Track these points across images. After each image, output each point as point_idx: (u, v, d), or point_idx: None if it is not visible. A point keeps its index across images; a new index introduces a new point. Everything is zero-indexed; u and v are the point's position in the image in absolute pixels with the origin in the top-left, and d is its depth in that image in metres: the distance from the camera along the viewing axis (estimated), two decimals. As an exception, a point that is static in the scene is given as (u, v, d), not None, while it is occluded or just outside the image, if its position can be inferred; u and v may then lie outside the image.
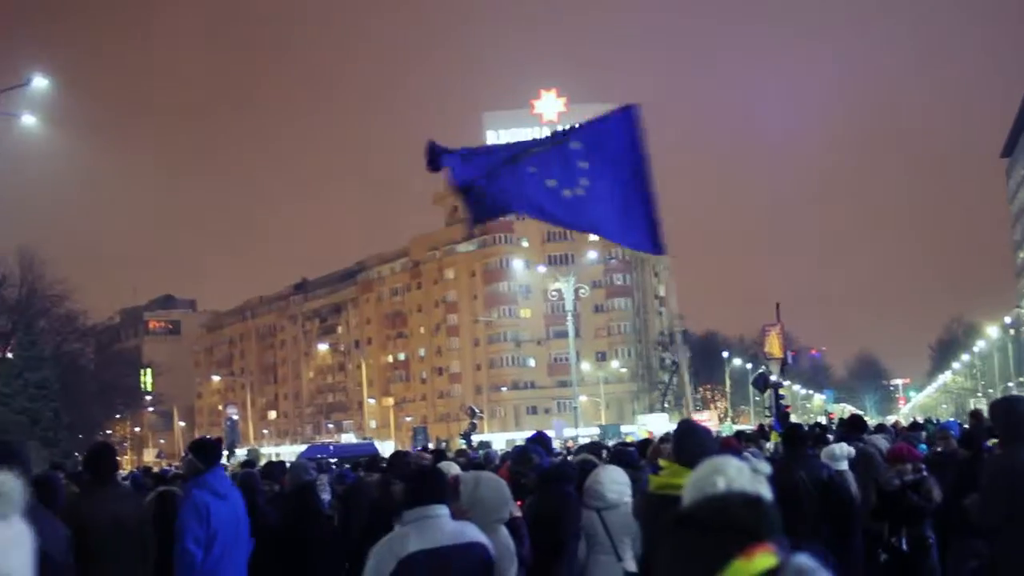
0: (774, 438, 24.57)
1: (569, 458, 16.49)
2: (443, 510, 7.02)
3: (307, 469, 13.85)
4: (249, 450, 60.35)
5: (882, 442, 15.79)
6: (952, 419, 55.66)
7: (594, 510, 10.03)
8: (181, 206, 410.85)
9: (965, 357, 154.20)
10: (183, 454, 11.66)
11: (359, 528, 13.16)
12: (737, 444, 16.66)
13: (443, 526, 6.96)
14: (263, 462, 21.69)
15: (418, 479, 7.31)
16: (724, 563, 2.95)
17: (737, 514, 3.06)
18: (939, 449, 15.90)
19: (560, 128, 10.93)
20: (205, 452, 10.77)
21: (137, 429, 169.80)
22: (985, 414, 17.33)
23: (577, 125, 10.57)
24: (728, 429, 71.41)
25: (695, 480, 4.72)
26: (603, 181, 9.99)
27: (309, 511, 12.91)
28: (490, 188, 10.00)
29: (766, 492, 4.61)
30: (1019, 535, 8.45)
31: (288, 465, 15.65)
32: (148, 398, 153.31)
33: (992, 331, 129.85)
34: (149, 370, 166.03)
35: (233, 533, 10.37)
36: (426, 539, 6.82)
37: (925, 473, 12.81)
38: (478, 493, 7.88)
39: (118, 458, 11.56)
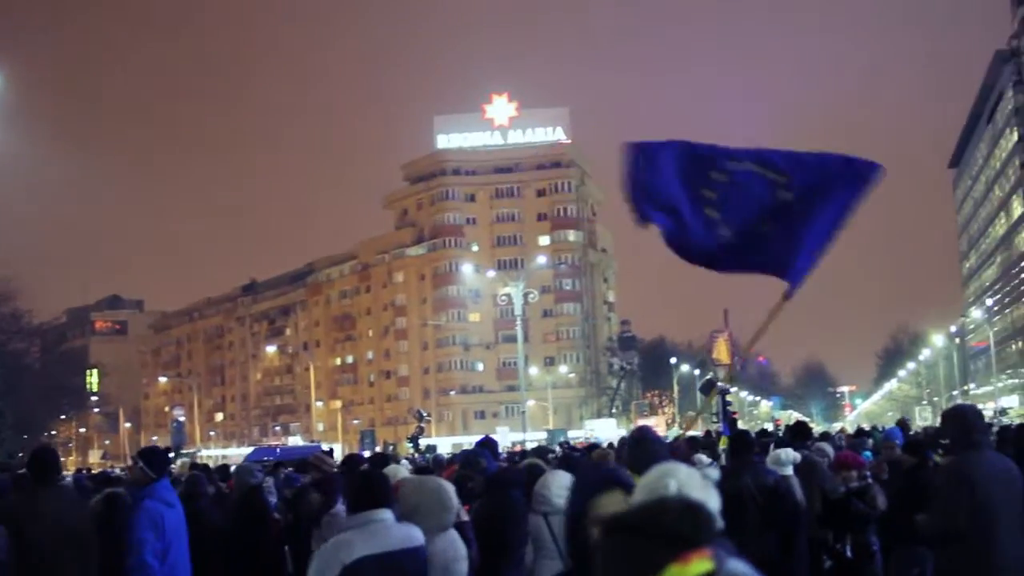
0: (723, 443, 24.66)
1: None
2: (388, 514, 7.02)
3: (252, 473, 13.81)
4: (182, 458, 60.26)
5: (828, 449, 15.88)
6: (896, 427, 56.05)
7: (541, 515, 10.03)
8: (130, 206, 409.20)
9: (911, 365, 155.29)
10: (131, 458, 11.50)
11: (307, 532, 13.14)
12: (686, 450, 16.67)
13: (389, 530, 6.95)
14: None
15: (363, 484, 7.29)
16: (660, 568, 2.96)
17: (675, 520, 3.07)
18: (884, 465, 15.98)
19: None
20: (156, 461, 10.68)
21: (82, 430, 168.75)
22: (913, 424, 17.54)
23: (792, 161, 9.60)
24: (675, 435, 71.78)
25: (646, 483, 4.74)
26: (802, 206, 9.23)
27: (256, 514, 12.87)
28: (674, 233, 9.41)
29: (714, 498, 4.64)
30: (978, 542, 8.54)
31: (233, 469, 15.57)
32: (94, 399, 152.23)
33: (938, 339, 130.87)
34: (95, 370, 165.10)
35: (181, 541, 10.32)
36: (372, 544, 6.80)
37: (870, 480, 12.94)
38: (419, 498, 7.87)
39: (63, 459, 11.45)
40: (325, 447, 79.21)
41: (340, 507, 10.90)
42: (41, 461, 10.45)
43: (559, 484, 10.17)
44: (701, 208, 9.17)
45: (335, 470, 12.87)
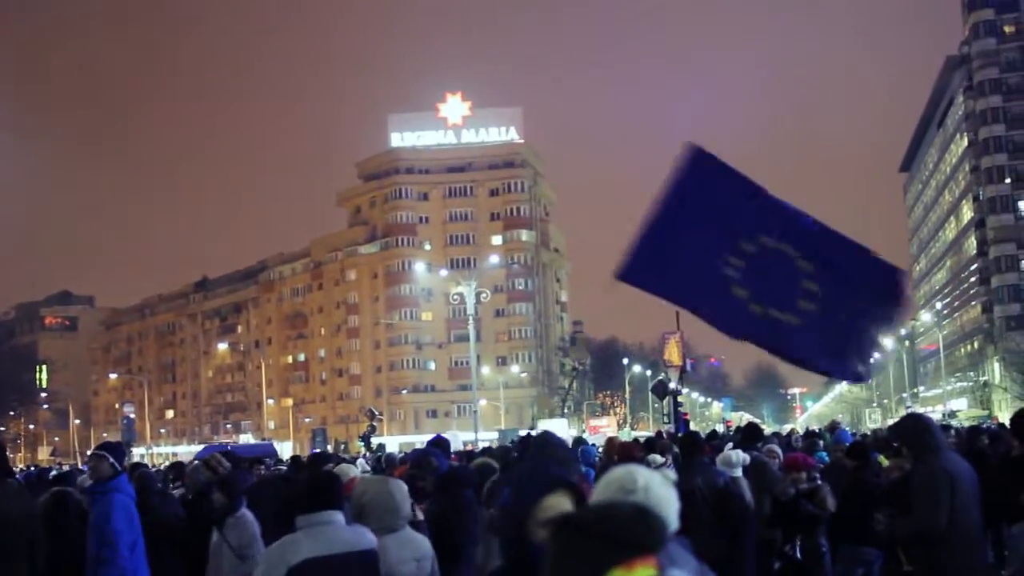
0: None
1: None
2: (337, 516, 7.00)
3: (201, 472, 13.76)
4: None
5: (777, 450, 15.95)
6: (847, 428, 56.35)
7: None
8: (80, 199, 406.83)
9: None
10: (93, 453, 11.42)
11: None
12: (637, 450, 16.71)
13: (338, 532, 6.94)
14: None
15: (313, 484, 7.28)
16: (604, 571, 2.98)
17: (627, 524, 3.08)
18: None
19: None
20: (118, 455, 10.69)
21: (31, 426, 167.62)
22: (863, 426, 17.58)
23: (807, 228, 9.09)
24: (626, 435, 71.97)
25: (612, 480, 4.76)
26: (828, 304, 8.88)
27: (202, 513, 12.83)
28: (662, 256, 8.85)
29: (675, 499, 4.68)
30: (958, 541, 8.73)
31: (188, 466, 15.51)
32: (43, 395, 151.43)
33: (887, 342, 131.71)
34: (44, 367, 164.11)
35: (141, 534, 10.35)
36: (319, 546, 6.79)
37: (819, 482, 13.01)
38: (369, 499, 7.85)
39: (11, 455, 11.39)
40: (277, 445, 79.19)
41: (244, 509, 10.85)
42: None
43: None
44: (723, 272, 8.67)
45: (228, 471, 12.77)
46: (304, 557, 6.70)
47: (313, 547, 6.76)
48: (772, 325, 8.43)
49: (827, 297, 8.41)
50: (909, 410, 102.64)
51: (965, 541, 8.79)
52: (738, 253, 8.43)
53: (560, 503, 5.18)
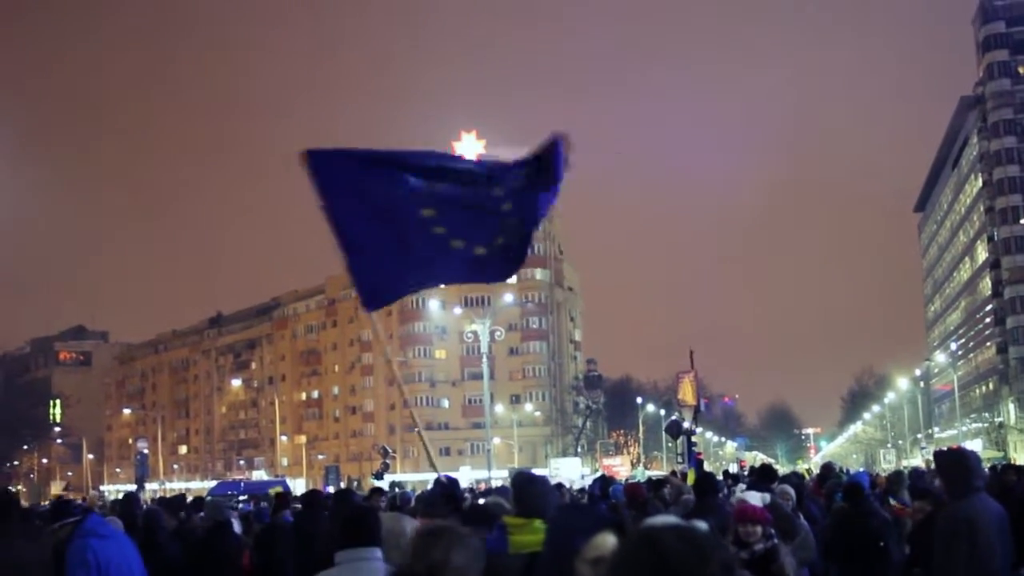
0: (691, 478, 24.70)
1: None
2: (377, 553, 6.92)
3: (223, 509, 13.77)
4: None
5: (790, 491, 15.86)
6: (862, 470, 56.15)
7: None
8: (96, 235, 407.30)
9: (876, 408, 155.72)
10: (91, 488, 11.38)
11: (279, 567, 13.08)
12: (643, 492, 16.66)
13: (376, 570, 6.89)
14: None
15: (354, 520, 7.21)
16: None
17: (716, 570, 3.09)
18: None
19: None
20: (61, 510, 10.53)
21: (44, 461, 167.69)
22: (878, 466, 17.34)
23: (497, 165, 9.83)
24: (640, 475, 71.75)
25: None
26: (517, 217, 9.57)
27: (217, 551, 12.80)
28: (382, 265, 9.42)
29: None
30: None
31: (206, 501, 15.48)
32: (57, 429, 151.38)
33: (902, 383, 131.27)
34: (58, 401, 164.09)
35: (127, 572, 10.17)
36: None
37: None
38: (382, 535, 7.80)
39: (23, 489, 11.35)
40: (290, 482, 79.03)
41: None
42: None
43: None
44: (425, 226, 9.20)
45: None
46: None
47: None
48: (481, 259, 9.07)
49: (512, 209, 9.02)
50: (924, 451, 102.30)
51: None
52: (425, 206, 9.01)
53: (608, 543, 5.20)
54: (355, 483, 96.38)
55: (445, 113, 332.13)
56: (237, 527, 15.32)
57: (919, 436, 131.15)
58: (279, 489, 30.29)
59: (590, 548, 5.21)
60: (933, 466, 10.46)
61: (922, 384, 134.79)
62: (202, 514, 15.36)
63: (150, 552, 10.92)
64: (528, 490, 7.82)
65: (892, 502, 16.55)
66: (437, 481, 13.39)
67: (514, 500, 7.94)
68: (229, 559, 12.92)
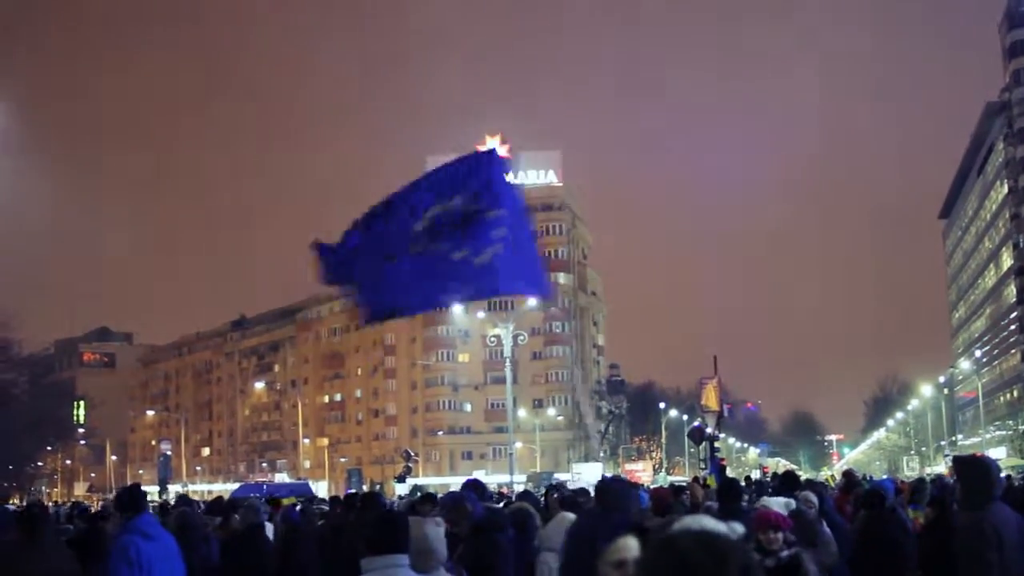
0: (711, 482, 24.70)
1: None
2: (405, 560, 6.88)
3: (259, 511, 13.77)
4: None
5: (813, 498, 15.80)
6: (886, 476, 56.05)
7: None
8: (122, 237, 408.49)
9: (899, 415, 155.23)
10: (113, 490, 11.48)
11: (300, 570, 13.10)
12: (668, 494, 16.66)
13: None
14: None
15: (383, 525, 7.15)
16: None
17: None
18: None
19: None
20: (128, 501, 10.64)
21: (68, 462, 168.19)
22: (901, 473, 17.17)
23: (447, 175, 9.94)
24: (662, 480, 71.73)
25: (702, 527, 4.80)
26: (507, 233, 9.67)
27: (253, 552, 12.83)
28: (375, 295, 9.58)
29: None
30: None
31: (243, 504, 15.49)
32: (81, 431, 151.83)
33: (926, 390, 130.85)
34: (82, 402, 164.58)
35: (169, 573, 10.27)
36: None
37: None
38: (432, 542, 7.77)
39: (47, 490, 11.44)
40: (312, 485, 79.20)
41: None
42: (32, 520, 10.48)
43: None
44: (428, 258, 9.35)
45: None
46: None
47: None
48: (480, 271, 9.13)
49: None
50: (947, 458, 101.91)
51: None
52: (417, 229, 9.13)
53: (630, 546, 5.22)
54: (378, 486, 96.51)
55: (469, 117, 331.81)
56: (270, 531, 15.37)
57: (942, 443, 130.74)
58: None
59: (612, 551, 5.24)
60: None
61: (946, 391, 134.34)
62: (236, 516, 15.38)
63: (188, 553, 11.02)
64: (611, 488, 7.90)
65: (912, 511, 16.40)
66: (464, 484, 13.39)
67: (596, 499, 8.03)
68: (263, 561, 12.96)
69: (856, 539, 13.17)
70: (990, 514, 8.67)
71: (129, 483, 14.44)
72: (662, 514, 14.39)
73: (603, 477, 8.61)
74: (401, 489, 60.10)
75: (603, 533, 5.57)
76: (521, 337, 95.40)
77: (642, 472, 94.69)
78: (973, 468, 9.27)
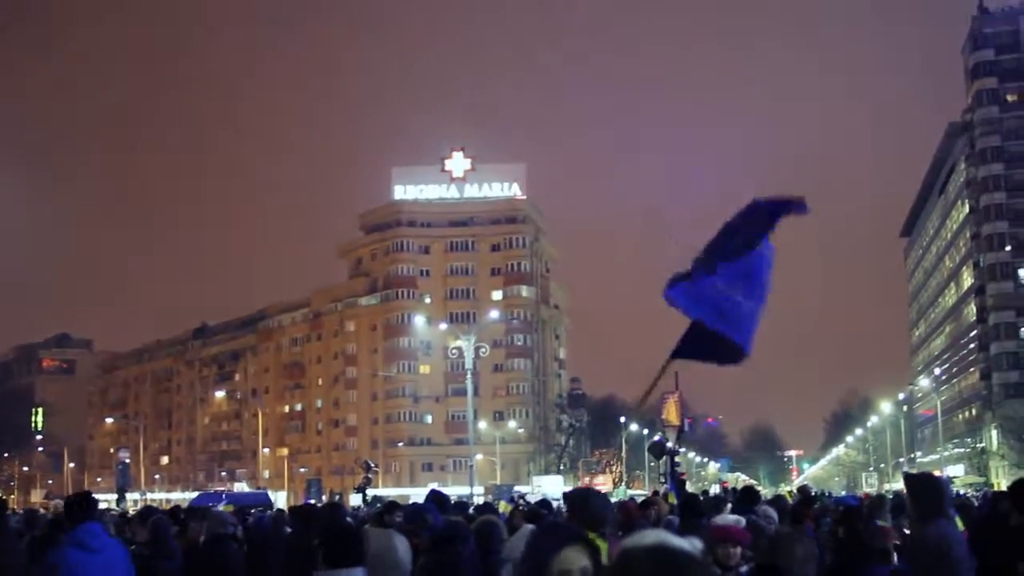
0: (671, 498, 24.69)
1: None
2: (358, 573, 6.84)
3: (225, 522, 13.66)
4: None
5: (773, 514, 15.82)
6: (845, 493, 56.23)
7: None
8: (82, 244, 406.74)
9: (858, 431, 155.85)
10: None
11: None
12: (635, 508, 16.67)
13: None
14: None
15: (337, 540, 7.11)
16: None
17: None
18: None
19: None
20: (75, 509, 10.42)
21: (25, 468, 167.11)
22: (860, 489, 17.16)
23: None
24: (622, 494, 71.74)
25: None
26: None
27: (216, 564, 12.73)
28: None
29: None
30: None
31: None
32: (39, 437, 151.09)
33: (886, 407, 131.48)
34: (41, 409, 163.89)
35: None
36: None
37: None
38: (372, 552, 7.78)
39: (4, 497, 11.35)
40: (271, 495, 78.86)
41: None
42: None
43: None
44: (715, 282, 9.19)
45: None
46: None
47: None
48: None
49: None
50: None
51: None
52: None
53: (576, 558, 5.24)
54: (337, 496, 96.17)
55: (435, 130, 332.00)
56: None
57: (901, 460, 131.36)
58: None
59: (558, 561, 5.26)
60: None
61: (905, 408, 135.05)
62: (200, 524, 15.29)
63: (158, 563, 10.89)
64: (589, 503, 7.88)
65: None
66: (427, 496, 13.37)
67: (570, 514, 7.98)
68: (230, 571, 12.86)
69: (835, 556, 13.14)
70: (945, 528, 8.90)
71: (87, 490, 14.17)
72: (628, 529, 14.41)
73: (578, 488, 8.47)
74: (356, 500, 59.97)
75: (552, 544, 5.57)
76: (483, 349, 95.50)
77: (602, 486, 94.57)
78: (924, 484, 9.54)
